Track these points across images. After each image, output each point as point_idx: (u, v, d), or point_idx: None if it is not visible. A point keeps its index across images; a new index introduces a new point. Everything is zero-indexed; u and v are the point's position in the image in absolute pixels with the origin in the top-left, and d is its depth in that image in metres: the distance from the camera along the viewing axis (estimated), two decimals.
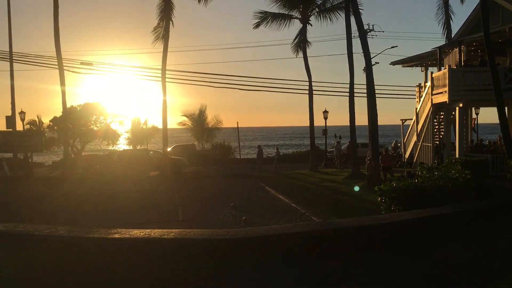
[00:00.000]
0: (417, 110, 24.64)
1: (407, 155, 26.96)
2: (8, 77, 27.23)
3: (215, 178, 25.11)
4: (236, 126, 42.54)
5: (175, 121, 43.42)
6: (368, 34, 30.67)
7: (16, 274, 4.92)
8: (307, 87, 29.22)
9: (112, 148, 35.28)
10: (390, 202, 9.50)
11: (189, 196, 17.80)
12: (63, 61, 27.83)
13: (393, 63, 28.00)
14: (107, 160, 28.32)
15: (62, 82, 27.45)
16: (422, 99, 23.89)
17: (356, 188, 17.50)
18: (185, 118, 40.94)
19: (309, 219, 12.10)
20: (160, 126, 30.79)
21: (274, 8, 30.11)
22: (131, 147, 38.93)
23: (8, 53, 27.29)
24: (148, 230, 6.04)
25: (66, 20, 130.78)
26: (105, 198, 17.58)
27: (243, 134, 79.25)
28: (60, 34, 27.35)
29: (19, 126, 29.83)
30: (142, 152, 30.71)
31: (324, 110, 32.37)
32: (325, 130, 32.64)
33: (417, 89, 26.93)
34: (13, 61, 27.37)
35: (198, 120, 40.65)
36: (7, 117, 27.36)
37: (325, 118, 32.47)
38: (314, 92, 29.50)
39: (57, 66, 27.65)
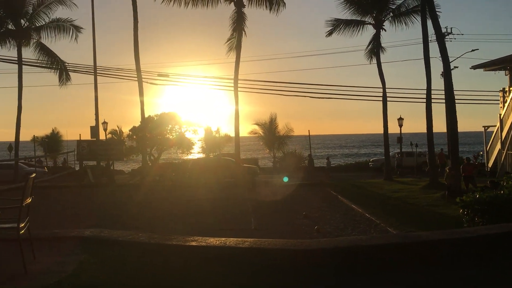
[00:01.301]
0: (501, 116, 23.18)
1: (490, 164, 25.42)
2: (92, 89, 29.09)
3: (286, 186, 25.08)
4: (308, 134, 42.31)
5: (247, 129, 44.07)
6: (446, 37, 29.32)
7: (103, 278, 5.14)
8: (381, 94, 28.50)
9: (186, 156, 36.37)
10: (473, 214, 8.94)
11: (260, 204, 17.87)
12: (142, 73, 29.20)
13: (474, 67, 26.57)
14: (182, 167, 29.28)
15: (141, 93, 28.79)
16: (506, 104, 22.47)
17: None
18: (256, 127, 41.44)
19: (384, 230, 11.70)
20: (232, 134, 31.37)
21: (347, 15, 29.75)
22: (204, 155, 39.91)
23: (93, 67, 29.09)
24: (223, 239, 6.11)
25: (144, 33, 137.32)
26: (180, 204, 18.10)
27: (314, 142, 78.62)
28: (139, 48, 28.79)
29: (102, 135, 31.68)
30: (215, 160, 31.41)
31: (399, 117, 31.37)
32: (400, 137, 31.60)
33: (500, 94, 25.36)
34: (97, 74, 29.13)
35: (269, 128, 40.94)
36: (91, 127, 29.12)
37: (400, 125, 31.46)
38: (388, 98, 28.69)
39: (136, 78, 29.05)
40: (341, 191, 21.14)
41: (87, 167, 30.33)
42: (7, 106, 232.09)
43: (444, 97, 21.06)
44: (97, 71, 29.35)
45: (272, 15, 28.66)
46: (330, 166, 34.94)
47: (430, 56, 23.00)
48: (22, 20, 29.50)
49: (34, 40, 29.58)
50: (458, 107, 19.56)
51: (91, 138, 28.99)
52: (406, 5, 28.31)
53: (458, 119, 18.93)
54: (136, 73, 28.89)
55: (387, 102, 28.40)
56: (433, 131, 22.67)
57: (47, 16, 29.58)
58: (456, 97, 20.34)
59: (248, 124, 45.75)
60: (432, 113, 22.82)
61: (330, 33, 30.17)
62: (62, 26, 29.25)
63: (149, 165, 30.75)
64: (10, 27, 29.58)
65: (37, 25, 29.63)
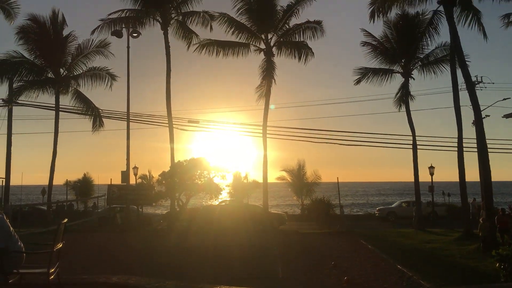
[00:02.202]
0: None
1: None
2: (124, 135, 29.82)
3: (315, 235, 24.66)
4: (336, 181, 41.91)
5: (274, 175, 44.02)
6: (477, 86, 29.16)
7: None
8: (410, 142, 28.24)
9: (214, 202, 36.36)
10: (511, 268, 8.59)
11: (288, 252, 17.59)
12: (173, 120, 29.85)
13: (506, 116, 26.13)
14: (209, 213, 29.24)
15: (171, 139, 29.34)
16: None
17: None
18: (284, 173, 41.35)
19: (417, 283, 11.30)
20: (260, 180, 31.39)
21: (375, 64, 30.10)
22: (232, 201, 39.83)
23: (126, 113, 29.96)
24: None
25: (176, 80, 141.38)
26: (207, 251, 17.99)
27: (343, 190, 77.39)
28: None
29: (132, 180, 32.16)
30: (242, 206, 31.30)
31: (430, 165, 30.87)
32: (431, 186, 30.97)
33: None
34: (130, 120, 29.95)
35: (297, 175, 40.81)
36: (122, 172, 29.64)
37: (431, 174, 30.94)
38: (418, 146, 28.38)
39: (167, 125, 29.68)
40: (371, 240, 20.65)
41: (117, 211, 30.66)
42: (43, 151, 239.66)
43: (476, 146, 20.71)
44: (130, 118, 30.21)
45: (301, 64, 29.23)
46: (343, 215, 34.32)
47: (461, 104, 22.88)
48: (61, 69, 30.98)
49: (72, 88, 30.92)
50: (491, 156, 19.20)
51: (121, 182, 29.45)
52: (435, 54, 28.52)
53: (491, 169, 18.51)
54: (167, 119, 29.56)
55: (417, 150, 28.08)
56: (466, 180, 22.18)
57: (85, 65, 31.04)
58: (488, 146, 20.00)
59: (276, 170, 45.83)
60: (464, 161, 22.41)
61: (358, 82, 30.44)
62: (98, 75, 30.59)
63: (177, 210, 30.87)
64: (49, 75, 31.06)
65: (75, 73, 31.08)
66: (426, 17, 27.10)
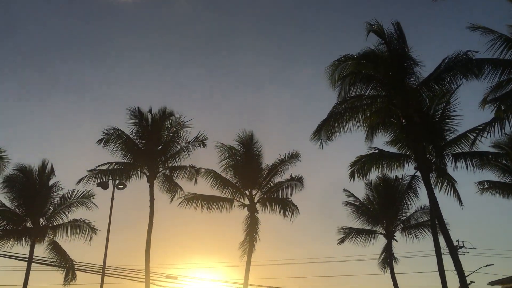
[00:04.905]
0: None
1: None
2: None
3: None
4: None
5: None
6: (459, 250, 29.19)
7: None
8: None
9: None
10: None
11: None
12: (150, 275, 28.54)
13: (492, 283, 25.71)
14: None
15: None
16: None
17: None
18: None
19: None
20: None
21: (358, 224, 30.39)
22: None
23: (102, 266, 28.64)
24: None
25: (156, 232, 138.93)
26: None
27: None
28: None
29: None
30: None
31: None
32: None
33: None
34: (105, 274, 28.55)
35: None
36: None
37: None
38: None
39: (143, 280, 28.29)
40: None
41: None
42: None
43: None
44: (105, 271, 28.86)
45: (286, 220, 29.17)
46: None
47: (446, 269, 22.43)
48: (41, 219, 30.26)
49: (49, 238, 29.92)
50: None
51: None
52: (415, 217, 29.03)
53: None
54: (144, 273, 28.29)
55: None
56: None
57: (66, 216, 30.38)
58: None
59: None
60: None
61: (342, 241, 30.36)
62: (79, 226, 29.81)
63: None
64: (28, 224, 30.21)
65: (55, 223, 30.25)
66: (405, 181, 28.21)
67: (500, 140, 26.91)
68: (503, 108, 17.79)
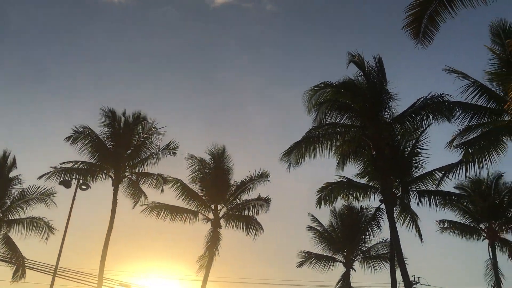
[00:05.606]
0: None
1: None
2: None
3: None
4: None
5: None
6: (414, 286, 29.59)
7: None
8: None
9: None
10: None
11: None
12: (103, 280, 27.81)
13: None
14: None
15: None
16: None
17: None
18: None
19: None
20: None
21: (319, 249, 30.49)
22: None
23: (53, 267, 27.72)
24: None
25: (115, 239, 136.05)
26: None
27: None
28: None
29: None
30: None
31: None
32: None
33: None
34: (56, 276, 27.67)
35: None
36: None
37: None
38: None
39: (96, 284, 27.55)
40: None
41: None
42: None
43: None
44: (57, 273, 27.97)
45: (249, 238, 28.95)
46: None
47: None
48: None
49: (3, 232, 28.73)
50: None
51: None
52: (376, 249, 29.37)
53: None
54: (97, 278, 27.55)
55: None
56: None
57: (23, 211, 29.27)
58: None
59: None
60: None
61: (301, 265, 30.37)
62: (36, 223, 28.70)
63: None
64: None
65: (10, 218, 29.10)
66: (369, 212, 28.53)
67: (464, 182, 27.70)
68: (470, 151, 18.31)
